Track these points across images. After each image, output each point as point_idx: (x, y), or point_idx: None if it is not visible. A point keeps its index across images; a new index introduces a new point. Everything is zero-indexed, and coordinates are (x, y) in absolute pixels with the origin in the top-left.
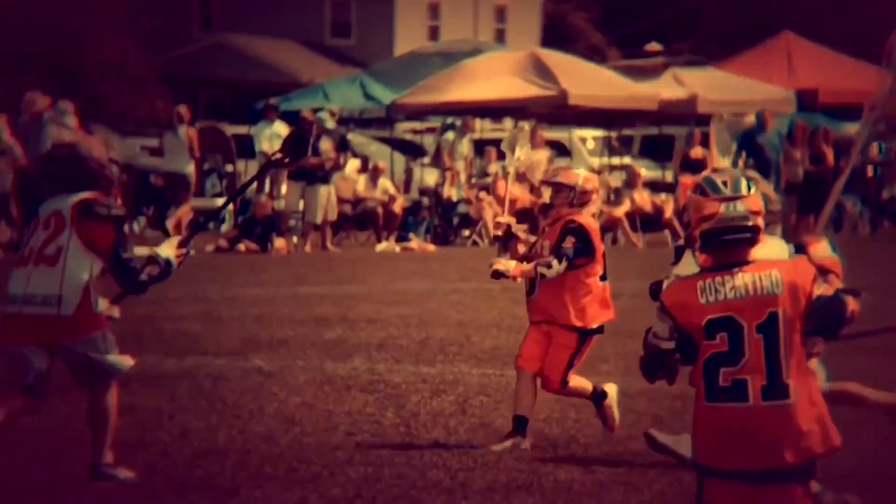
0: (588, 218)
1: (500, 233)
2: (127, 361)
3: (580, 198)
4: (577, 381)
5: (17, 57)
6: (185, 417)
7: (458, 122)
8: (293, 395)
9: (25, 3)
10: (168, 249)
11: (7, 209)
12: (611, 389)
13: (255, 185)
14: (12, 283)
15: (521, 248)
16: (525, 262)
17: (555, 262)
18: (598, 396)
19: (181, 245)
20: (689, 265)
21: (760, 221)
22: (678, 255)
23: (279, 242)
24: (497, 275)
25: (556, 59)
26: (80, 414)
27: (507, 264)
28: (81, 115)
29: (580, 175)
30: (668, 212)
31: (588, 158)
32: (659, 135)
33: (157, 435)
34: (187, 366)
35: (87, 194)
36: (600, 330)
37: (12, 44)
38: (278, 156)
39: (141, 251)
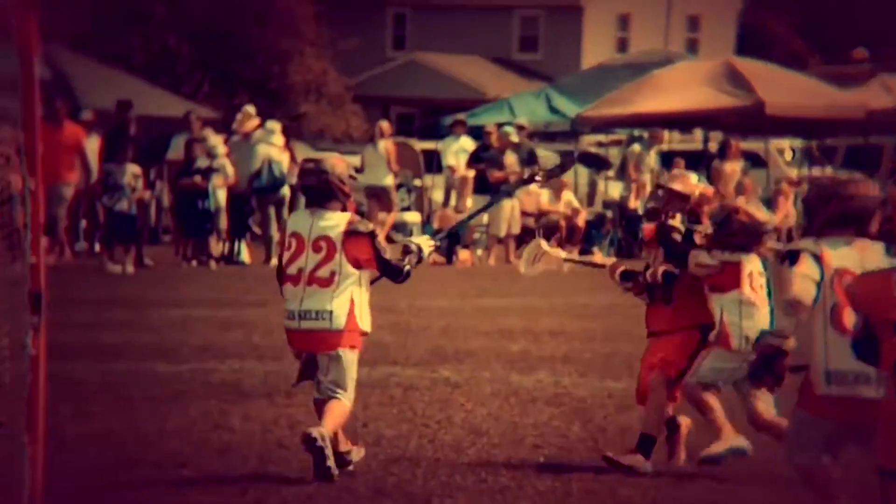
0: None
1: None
2: (349, 403)
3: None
4: (665, 396)
5: (230, 80)
6: (378, 425)
7: (646, 134)
8: (480, 407)
9: (238, 29)
10: (421, 238)
11: (219, 224)
12: (684, 421)
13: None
14: (288, 300)
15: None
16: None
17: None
18: (673, 424)
19: (433, 237)
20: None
21: None
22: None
23: (464, 255)
24: (668, 275)
25: (752, 68)
26: (285, 418)
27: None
28: (286, 134)
29: (697, 186)
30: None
31: (785, 169)
32: (865, 144)
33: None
34: (379, 375)
35: (348, 217)
36: None
37: (227, 68)
38: (539, 174)
39: (395, 245)
